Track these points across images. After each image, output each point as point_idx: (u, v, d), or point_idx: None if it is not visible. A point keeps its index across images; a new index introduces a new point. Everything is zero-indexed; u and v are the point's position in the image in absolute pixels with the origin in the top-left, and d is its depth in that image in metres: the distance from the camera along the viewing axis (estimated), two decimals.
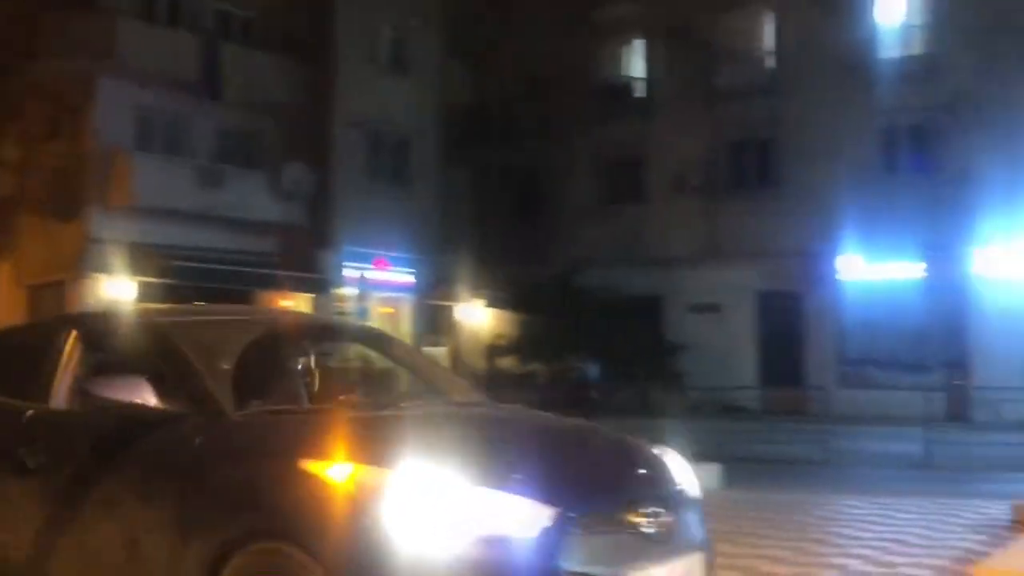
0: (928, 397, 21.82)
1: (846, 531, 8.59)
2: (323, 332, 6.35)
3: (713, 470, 10.71)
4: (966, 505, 9.74)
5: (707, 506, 4.64)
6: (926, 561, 7.14)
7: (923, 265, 25.63)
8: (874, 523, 8.80)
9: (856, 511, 9.65)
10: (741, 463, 13.15)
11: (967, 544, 7.80)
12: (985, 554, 7.07)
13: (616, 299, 26.79)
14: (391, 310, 29.05)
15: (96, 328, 5.19)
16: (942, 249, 25.40)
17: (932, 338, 25.95)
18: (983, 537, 8.05)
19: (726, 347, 27.36)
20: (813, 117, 27.17)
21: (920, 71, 26.71)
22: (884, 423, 21.16)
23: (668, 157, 29.71)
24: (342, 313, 25.24)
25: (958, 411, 22.99)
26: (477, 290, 29.15)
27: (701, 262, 28.23)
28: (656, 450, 4.65)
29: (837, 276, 26.68)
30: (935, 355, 25.81)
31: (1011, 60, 25.26)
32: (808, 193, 26.71)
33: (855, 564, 7.05)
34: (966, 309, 25.77)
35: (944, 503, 9.91)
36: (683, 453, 4.77)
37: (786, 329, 27.38)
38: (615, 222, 29.83)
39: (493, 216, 31.29)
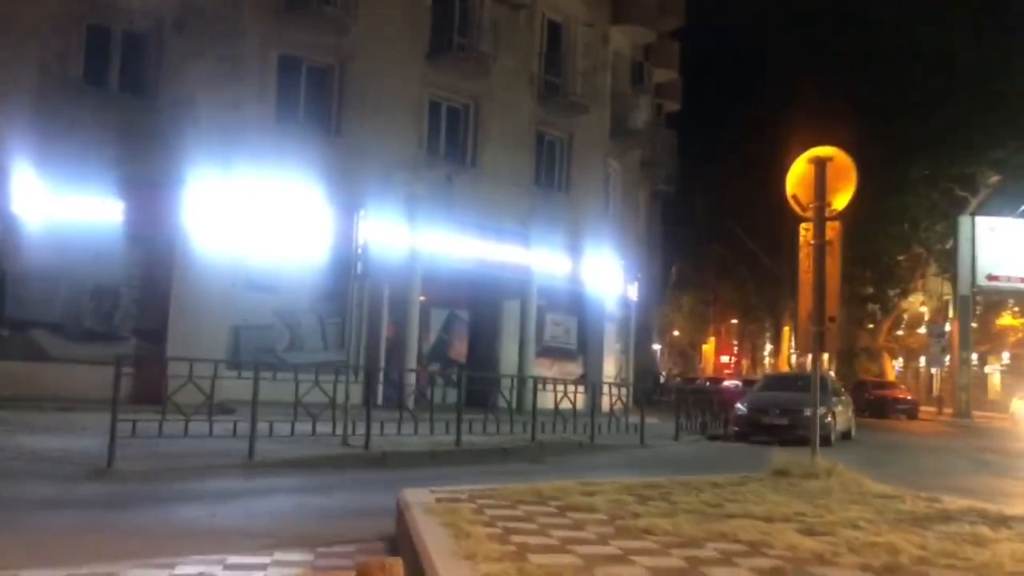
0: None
1: None
2: None
3: None
4: None
5: None
6: None
7: (122, 205, 20.08)
8: None
9: None
10: None
11: None
12: None
13: None
14: None
15: None
16: (149, 187, 20.17)
17: (127, 298, 20.67)
18: None
19: None
20: None
21: None
22: (58, 408, 16.97)
23: None
24: None
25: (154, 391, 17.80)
26: None
27: None
28: None
29: (10, 207, 19.75)
30: (129, 320, 20.58)
31: None
32: None
33: None
34: (170, 265, 20.78)
35: None
36: None
37: None
38: None
39: None
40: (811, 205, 9.18)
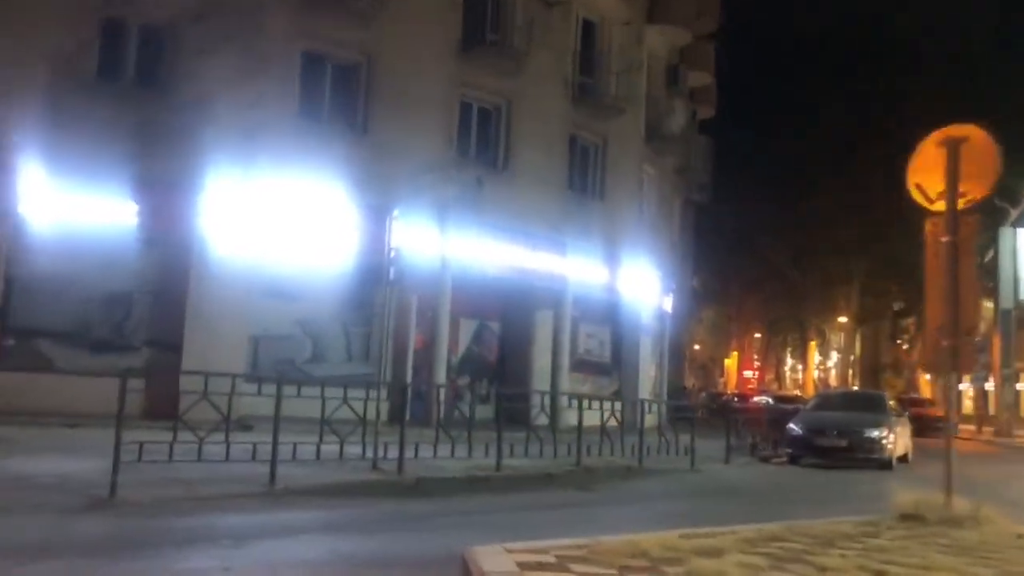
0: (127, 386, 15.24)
1: None
2: None
3: None
4: None
5: None
6: None
7: (136, 207, 18.81)
8: None
9: None
10: None
11: None
12: None
13: None
14: None
15: None
16: (165, 188, 18.90)
17: (140, 306, 19.39)
18: None
19: None
20: None
21: None
22: (64, 424, 15.91)
23: None
24: None
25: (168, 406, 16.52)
26: None
27: None
28: None
29: (18, 208, 18.46)
30: (142, 329, 19.31)
31: None
32: None
33: None
34: (186, 271, 19.46)
35: None
36: None
37: None
38: None
39: None
40: (940, 196, 7.70)
